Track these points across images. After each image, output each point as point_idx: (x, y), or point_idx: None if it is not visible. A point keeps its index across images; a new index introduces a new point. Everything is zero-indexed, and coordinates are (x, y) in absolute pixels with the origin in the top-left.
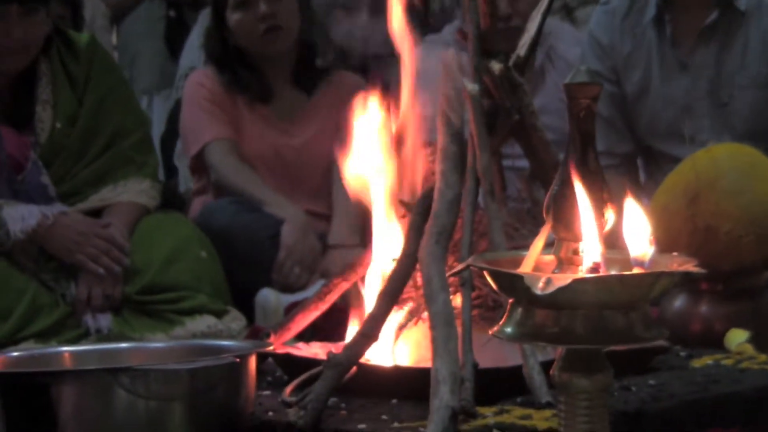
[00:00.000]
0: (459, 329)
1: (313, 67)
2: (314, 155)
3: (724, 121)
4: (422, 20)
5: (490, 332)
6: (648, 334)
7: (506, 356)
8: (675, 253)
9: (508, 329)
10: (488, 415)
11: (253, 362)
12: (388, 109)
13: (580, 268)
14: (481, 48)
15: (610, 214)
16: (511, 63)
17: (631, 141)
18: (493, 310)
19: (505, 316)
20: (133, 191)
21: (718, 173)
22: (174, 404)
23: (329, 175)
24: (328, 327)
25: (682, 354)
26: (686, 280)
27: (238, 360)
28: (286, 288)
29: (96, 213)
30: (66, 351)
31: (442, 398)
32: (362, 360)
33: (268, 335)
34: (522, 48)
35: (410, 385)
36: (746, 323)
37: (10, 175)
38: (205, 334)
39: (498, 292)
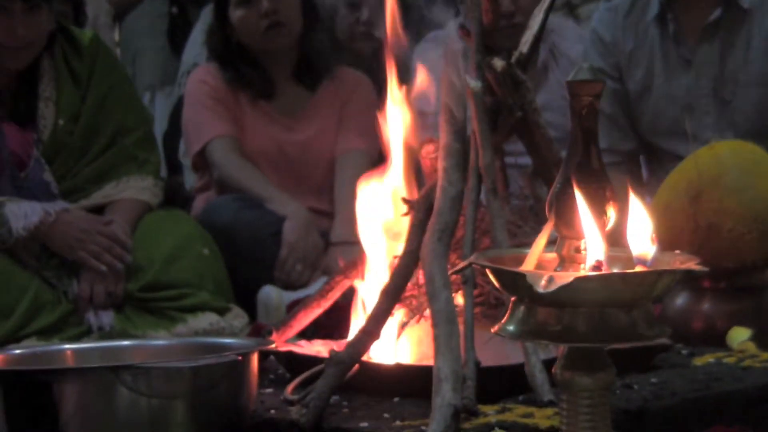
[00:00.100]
0: (461, 327)
1: (315, 63)
2: (317, 152)
3: (727, 119)
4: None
5: (492, 330)
6: (650, 333)
7: (508, 354)
8: (677, 251)
9: (511, 327)
10: (490, 413)
11: (255, 360)
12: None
13: (582, 266)
14: (483, 45)
15: (612, 212)
16: (513, 60)
17: (633, 138)
18: (496, 308)
19: (507, 314)
20: (136, 188)
21: (721, 170)
22: (176, 402)
23: (331, 171)
24: (331, 324)
25: (684, 352)
26: (688, 278)
27: (240, 358)
28: (289, 285)
29: (98, 210)
30: (68, 348)
31: (444, 396)
32: (364, 358)
33: (270, 333)
34: (524, 45)
35: (412, 383)
36: (749, 321)
37: (12, 172)
38: (208, 331)
39: (500, 290)
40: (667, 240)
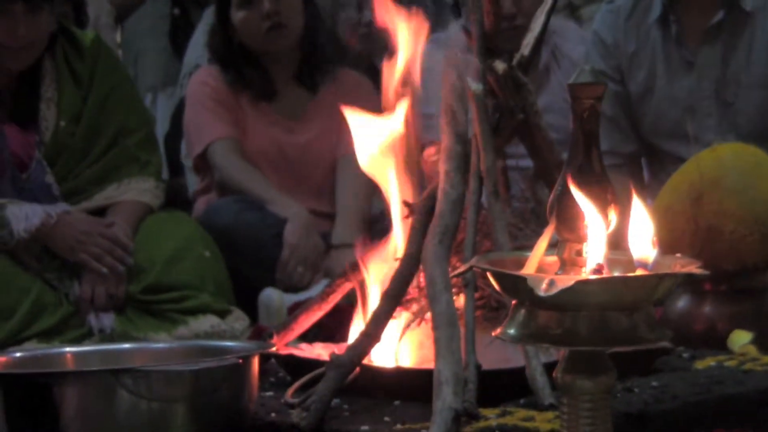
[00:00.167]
0: (462, 330)
1: (317, 65)
2: (318, 154)
3: (729, 121)
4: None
5: (493, 333)
6: (651, 336)
7: (509, 357)
8: (678, 255)
9: (511, 331)
10: (491, 416)
11: (255, 363)
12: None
13: (583, 269)
14: (485, 47)
15: (613, 215)
16: (515, 62)
17: (635, 140)
18: (497, 311)
19: (508, 318)
20: (137, 190)
21: (722, 172)
22: (176, 405)
23: (333, 173)
24: (332, 326)
25: (685, 355)
26: (690, 281)
27: (240, 361)
28: (290, 287)
29: (99, 212)
30: (68, 352)
31: (445, 400)
32: (365, 361)
33: (271, 335)
34: (526, 47)
35: (413, 387)
36: (750, 324)
37: (14, 173)
38: (209, 333)
39: (501, 293)
40: (668, 242)
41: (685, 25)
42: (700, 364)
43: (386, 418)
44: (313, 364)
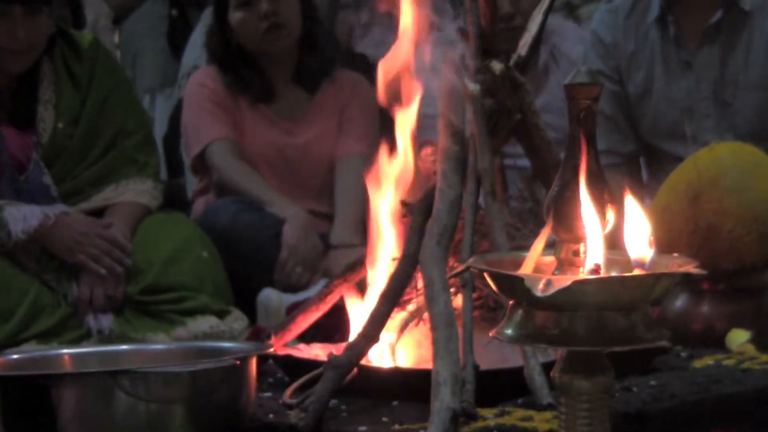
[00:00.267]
0: (460, 330)
1: (315, 65)
2: (316, 155)
3: (728, 122)
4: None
5: (490, 334)
6: (649, 336)
7: (507, 357)
8: (676, 254)
9: (509, 331)
10: (489, 416)
11: (253, 364)
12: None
13: (580, 269)
14: (482, 47)
15: (610, 215)
16: (512, 63)
17: (634, 140)
18: (494, 311)
19: (505, 318)
20: (135, 191)
21: (720, 171)
22: (174, 407)
23: (331, 174)
24: (330, 326)
25: (683, 354)
26: (688, 280)
27: (238, 362)
28: (288, 288)
29: (98, 213)
30: (66, 353)
31: (443, 400)
32: (363, 361)
33: (269, 336)
34: (523, 48)
35: (411, 387)
36: (748, 323)
37: (12, 175)
38: (207, 334)
39: (498, 294)
40: (666, 241)
41: (683, 25)
42: (698, 363)
43: (384, 419)
44: (311, 364)
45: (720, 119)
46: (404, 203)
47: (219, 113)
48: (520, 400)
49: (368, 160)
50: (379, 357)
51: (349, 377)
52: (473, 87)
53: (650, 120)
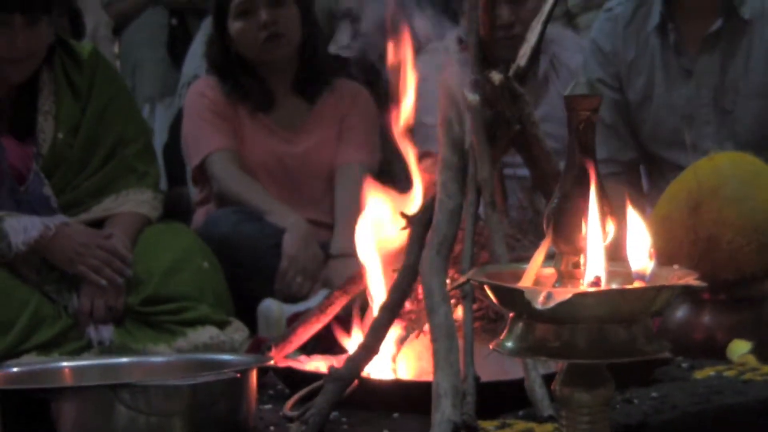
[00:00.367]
0: (460, 342)
1: (314, 75)
2: (316, 164)
3: (728, 129)
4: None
5: (490, 346)
6: (650, 348)
7: (508, 369)
8: (676, 266)
9: (509, 344)
10: (490, 428)
11: (254, 377)
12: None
13: (581, 281)
14: (481, 57)
15: (610, 227)
16: (511, 73)
17: (634, 148)
18: (495, 323)
19: (505, 331)
20: (135, 201)
21: (721, 181)
22: (175, 420)
23: (331, 183)
24: (331, 338)
25: (684, 365)
26: (688, 290)
27: (239, 375)
28: (289, 298)
29: (98, 224)
30: (66, 366)
31: (444, 412)
32: (364, 374)
33: (269, 348)
34: (522, 58)
35: (412, 399)
36: (749, 333)
37: (12, 186)
38: (208, 345)
39: (499, 306)
40: (666, 251)
41: (683, 33)
42: (699, 374)
43: (385, 431)
44: (312, 377)
45: (720, 126)
46: (404, 214)
47: (219, 123)
48: (521, 412)
49: (368, 168)
50: (380, 369)
51: (349, 389)
52: (472, 97)
53: (650, 127)
